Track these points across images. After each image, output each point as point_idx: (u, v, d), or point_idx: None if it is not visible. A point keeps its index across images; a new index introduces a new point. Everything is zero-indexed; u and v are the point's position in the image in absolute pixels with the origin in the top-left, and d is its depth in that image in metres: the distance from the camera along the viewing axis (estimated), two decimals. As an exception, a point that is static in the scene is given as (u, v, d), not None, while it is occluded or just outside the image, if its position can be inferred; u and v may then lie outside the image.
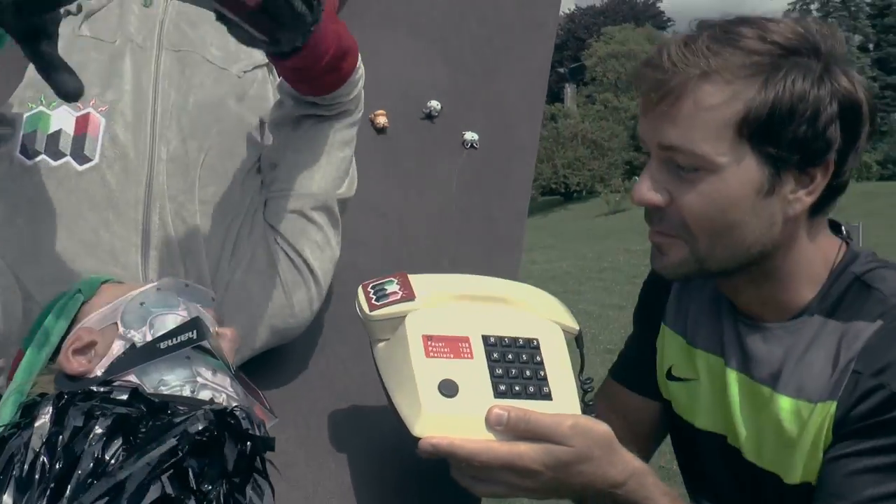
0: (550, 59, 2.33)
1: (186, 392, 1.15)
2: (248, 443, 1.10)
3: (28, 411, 1.10)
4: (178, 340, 1.16)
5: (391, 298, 1.29)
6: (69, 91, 1.09)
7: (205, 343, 1.18)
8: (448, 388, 1.19)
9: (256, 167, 1.58)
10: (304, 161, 1.53)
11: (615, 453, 1.20)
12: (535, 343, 1.27)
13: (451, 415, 1.18)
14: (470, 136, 2.06)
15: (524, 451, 1.15)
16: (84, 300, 1.27)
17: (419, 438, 1.17)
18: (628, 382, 1.61)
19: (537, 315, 1.34)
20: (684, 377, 1.48)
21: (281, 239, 1.51)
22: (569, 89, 49.94)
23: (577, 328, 1.37)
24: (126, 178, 1.39)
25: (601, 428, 1.19)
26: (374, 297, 1.30)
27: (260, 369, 1.32)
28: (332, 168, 1.55)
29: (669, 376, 1.51)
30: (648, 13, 62.65)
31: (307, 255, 1.51)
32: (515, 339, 1.27)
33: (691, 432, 1.47)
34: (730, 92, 1.19)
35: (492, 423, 1.17)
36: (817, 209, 1.27)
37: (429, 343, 1.23)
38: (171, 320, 1.22)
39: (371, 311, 1.28)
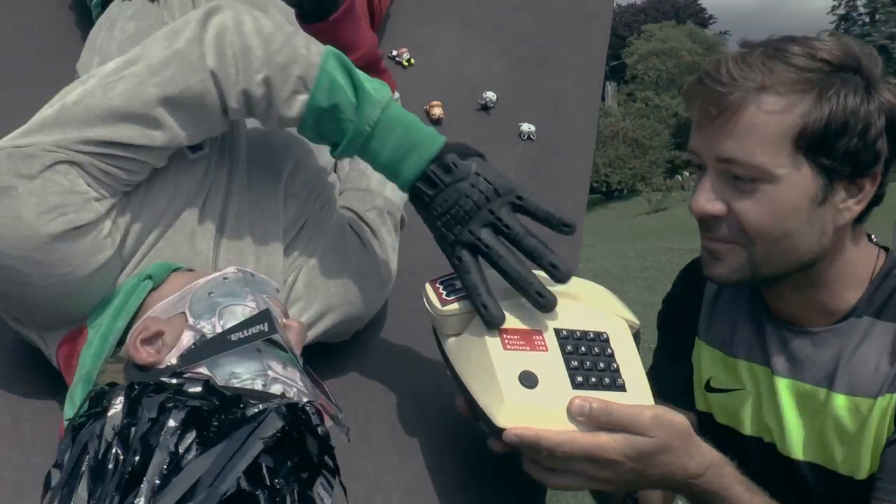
0: (606, 51, 2.31)
1: (258, 386, 1.13)
2: (316, 439, 1.09)
3: (97, 400, 1.09)
4: (250, 333, 1.15)
5: (462, 294, 1.28)
6: (490, 321, 1.23)
7: (275, 336, 1.16)
8: (528, 380, 1.19)
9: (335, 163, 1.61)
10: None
11: (693, 444, 1.20)
12: (605, 336, 1.28)
13: (533, 406, 1.18)
14: (527, 127, 2.04)
15: (606, 441, 1.15)
16: (153, 287, 1.27)
17: (501, 430, 1.17)
18: (662, 394, 1.58)
19: (600, 309, 1.34)
20: (726, 388, 1.51)
21: (363, 226, 1.55)
22: (609, 87, 49.71)
23: (638, 324, 1.38)
24: (217, 166, 1.39)
25: (679, 419, 1.20)
26: (445, 292, 1.30)
27: (319, 362, 1.30)
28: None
29: (709, 388, 1.54)
30: (690, 10, 62.15)
31: (387, 245, 1.57)
32: (586, 333, 1.27)
33: (737, 440, 1.48)
34: (785, 105, 1.24)
35: (574, 414, 1.17)
36: (860, 218, 1.33)
37: (505, 336, 1.23)
38: (240, 311, 1.20)
39: (443, 306, 1.29)
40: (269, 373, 1.15)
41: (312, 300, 1.46)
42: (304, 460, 1.06)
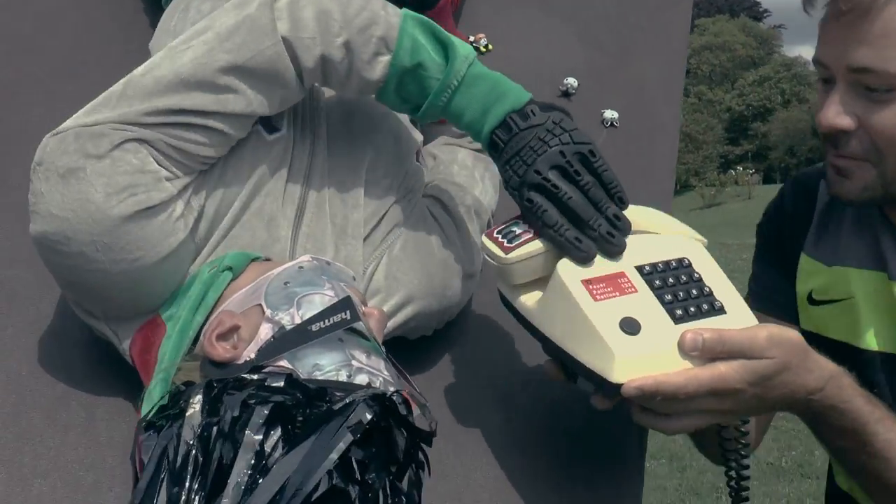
0: (688, 37, 2.25)
1: (342, 377, 1.08)
2: (408, 430, 1.03)
3: (175, 400, 1.05)
4: (331, 322, 1.10)
5: (524, 238, 1.22)
6: (584, 255, 1.17)
7: (357, 324, 1.11)
8: (630, 326, 1.12)
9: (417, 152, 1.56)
10: (470, 170, 1.61)
11: (810, 358, 1.14)
12: (687, 262, 1.21)
13: (643, 353, 1.11)
14: (610, 114, 1.97)
15: (725, 371, 1.09)
16: (232, 278, 1.22)
17: (617, 386, 1.10)
18: (765, 305, 1.52)
19: (667, 234, 1.28)
20: (833, 298, 1.43)
21: (449, 218, 1.50)
22: (662, 82, 49.46)
23: (705, 241, 1.30)
24: (297, 150, 1.35)
25: (793, 335, 1.13)
26: (505, 240, 1.24)
27: (402, 357, 1.25)
28: (488, 185, 1.65)
29: (811, 301, 1.46)
30: (743, 4, 61.68)
31: (472, 241, 1.51)
32: (668, 263, 1.20)
33: (853, 355, 1.39)
34: None
35: (687, 350, 1.10)
36: None
37: (590, 287, 1.16)
38: (319, 300, 1.15)
39: (507, 254, 1.22)
40: (354, 363, 1.10)
41: (393, 291, 1.40)
42: (393, 452, 1.01)
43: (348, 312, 1.10)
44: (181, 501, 0.94)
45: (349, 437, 0.95)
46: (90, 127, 1.16)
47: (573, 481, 1.38)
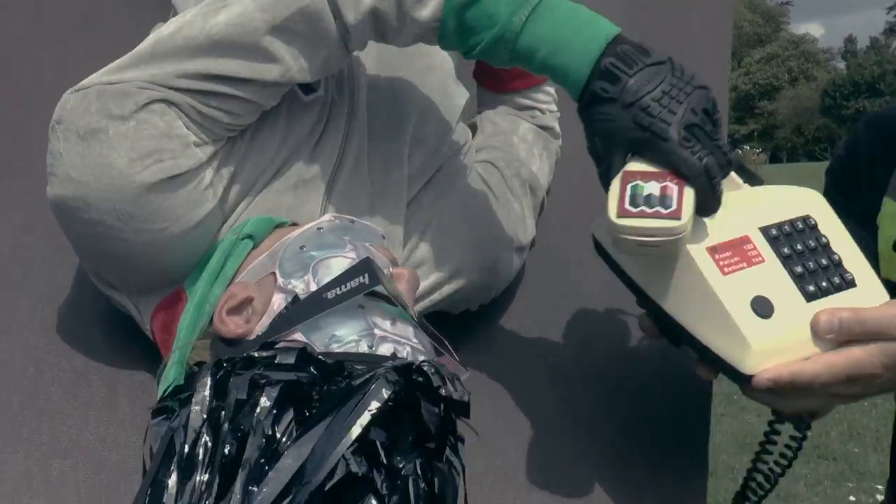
0: (733, -7, 2.14)
1: (363, 348, 0.97)
2: (440, 403, 0.91)
3: (189, 382, 0.95)
4: (349, 287, 0.98)
5: (675, 195, 0.97)
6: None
7: (379, 288, 1.00)
8: (762, 307, 0.99)
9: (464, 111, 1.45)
10: (530, 145, 1.51)
11: None
12: (812, 221, 1.07)
13: (777, 339, 0.98)
14: (655, 76, 1.86)
15: (861, 356, 0.98)
16: (254, 246, 1.11)
17: (748, 376, 0.98)
18: None
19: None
20: None
21: (504, 187, 1.41)
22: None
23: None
24: (335, 109, 1.25)
25: None
26: (661, 207, 0.97)
27: (445, 331, 1.15)
28: (545, 164, 1.53)
29: None
30: (749, -18, 61.47)
31: (526, 213, 1.43)
32: (793, 223, 1.06)
33: None
34: None
35: (822, 333, 0.98)
36: None
37: (717, 257, 1.01)
38: (337, 264, 1.03)
39: (682, 219, 0.96)
40: (376, 331, 0.99)
41: (441, 263, 1.30)
42: (424, 430, 0.89)
43: (367, 276, 0.99)
44: (191, 493, 0.85)
45: (367, 417, 0.85)
46: (114, 85, 1.06)
47: (633, 461, 1.30)
